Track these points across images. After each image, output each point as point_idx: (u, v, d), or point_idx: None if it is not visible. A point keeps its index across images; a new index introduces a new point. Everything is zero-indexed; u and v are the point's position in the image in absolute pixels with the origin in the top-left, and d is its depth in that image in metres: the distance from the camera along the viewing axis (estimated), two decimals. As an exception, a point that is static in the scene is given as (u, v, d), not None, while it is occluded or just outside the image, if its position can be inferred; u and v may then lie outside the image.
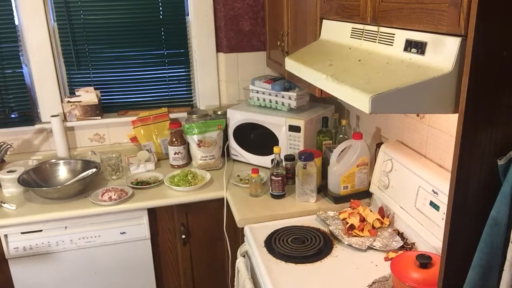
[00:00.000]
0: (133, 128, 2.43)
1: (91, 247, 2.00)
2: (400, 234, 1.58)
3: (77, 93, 2.44)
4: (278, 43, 2.11)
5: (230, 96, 2.60)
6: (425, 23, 0.98)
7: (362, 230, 1.59)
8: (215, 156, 2.28)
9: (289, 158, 1.99)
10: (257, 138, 2.22)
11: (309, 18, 1.72)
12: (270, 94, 2.22)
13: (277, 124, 2.11)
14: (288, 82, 2.15)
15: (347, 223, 1.61)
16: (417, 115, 1.62)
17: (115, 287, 2.10)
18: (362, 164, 1.81)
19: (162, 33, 2.50)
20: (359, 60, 1.20)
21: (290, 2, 1.94)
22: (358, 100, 1.00)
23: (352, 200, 1.77)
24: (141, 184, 2.12)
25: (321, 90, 1.67)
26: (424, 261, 1.22)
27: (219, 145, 2.30)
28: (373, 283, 1.35)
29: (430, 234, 1.40)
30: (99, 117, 2.48)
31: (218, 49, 2.55)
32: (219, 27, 2.50)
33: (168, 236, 2.11)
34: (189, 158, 2.35)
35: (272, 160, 1.93)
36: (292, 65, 1.52)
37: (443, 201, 1.35)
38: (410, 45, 1.04)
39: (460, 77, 0.88)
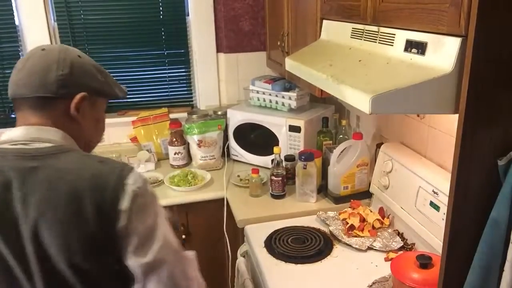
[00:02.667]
0: (133, 128, 2.42)
1: (91, 247, 2.00)
2: (400, 235, 1.58)
3: (77, 93, 2.44)
4: (278, 43, 2.10)
5: (230, 96, 2.60)
6: (425, 23, 0.98)
7: (362, 230, 1.59)
8: (215, 156, 2.27)
9: (289, 158, 1.99)
10: (257, 138, 2.22)
11: (309, 18, 1.72)
12: (270, 94, 2.22)
13: (277, 124, 2.11)
14: (288, 82, 2.15)
15: (347, 223, 1.61)
16: (418, 115, 1.62)
17: (115, 287, 2.09)
18: (362, 164, 1.81)
19: (162, 33, 2.50)
20: (360, 60, 1.20)
21: (291, 2, 1.94)
22: (358, 100, 1.00)
23: (352, 200, 1.77)
24: (141, 184, 2.12)
25: (321, 90, 1.67)
26: (424, 261, 1.22)
27: (219, 145, 2.29)
28: (373, 283, 1.35)
29: (430, 234, 1.40)
30: (99, 117, 2.48)
31: (218, 49, 2.54)
32: (219, 27, 2.50)
33: (168, 236, 2.10)
34: (189, 158, 2.35)
35: (272, 160, 1.93)
36: (292, 65, 1.52)
37: (443, 201, 1.35)
38: (411, 45, 1.04)
39: (460, 77, 0.88)
